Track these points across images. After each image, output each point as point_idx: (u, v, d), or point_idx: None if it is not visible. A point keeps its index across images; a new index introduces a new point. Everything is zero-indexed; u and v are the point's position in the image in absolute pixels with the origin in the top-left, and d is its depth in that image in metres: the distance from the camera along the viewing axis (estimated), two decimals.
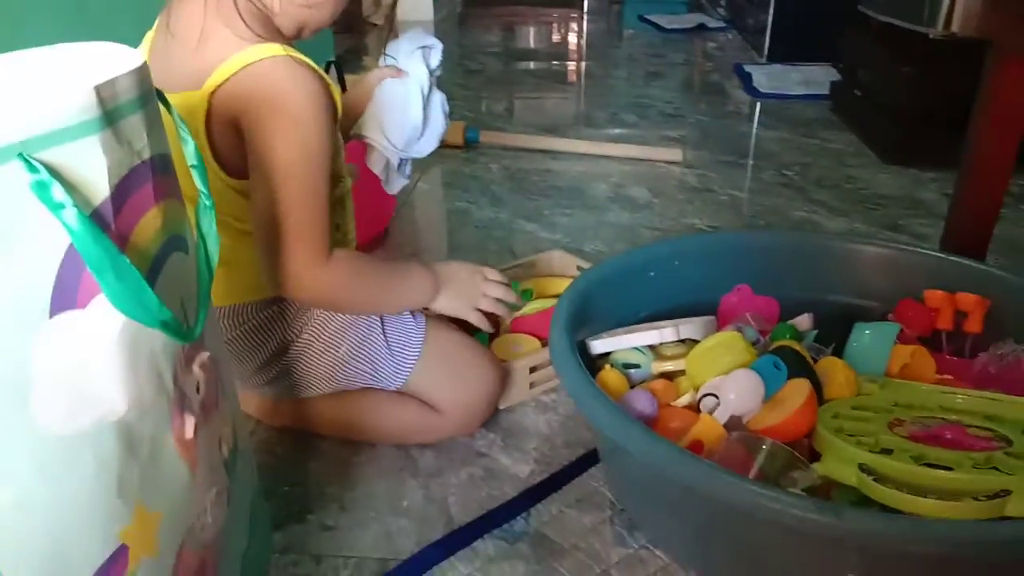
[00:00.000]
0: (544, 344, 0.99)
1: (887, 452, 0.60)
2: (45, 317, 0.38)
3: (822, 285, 0.95)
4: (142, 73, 0.43)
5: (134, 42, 0.77)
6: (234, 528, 0.56)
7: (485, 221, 1.47)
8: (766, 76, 2.55)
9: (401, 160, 0.99)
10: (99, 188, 0.39)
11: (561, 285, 1.14)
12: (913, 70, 1.74)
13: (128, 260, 0.40)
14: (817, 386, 0.71)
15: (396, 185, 1.01)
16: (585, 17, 4.23)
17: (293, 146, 0.68)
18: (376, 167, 0.97)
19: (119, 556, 0.41)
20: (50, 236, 0.37)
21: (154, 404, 0.43)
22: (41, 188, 0.36)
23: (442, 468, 0.82)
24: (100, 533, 0.40)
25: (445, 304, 0.83)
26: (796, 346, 0.75)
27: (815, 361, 0.76)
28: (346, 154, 0.86)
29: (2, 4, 0.95)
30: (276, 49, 0.68)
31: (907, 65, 1.75)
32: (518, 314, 1.05)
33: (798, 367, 0.71)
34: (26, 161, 0.36)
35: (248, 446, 0.62)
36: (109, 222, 0.39)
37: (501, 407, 0.91)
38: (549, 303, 1.06)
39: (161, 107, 0.46)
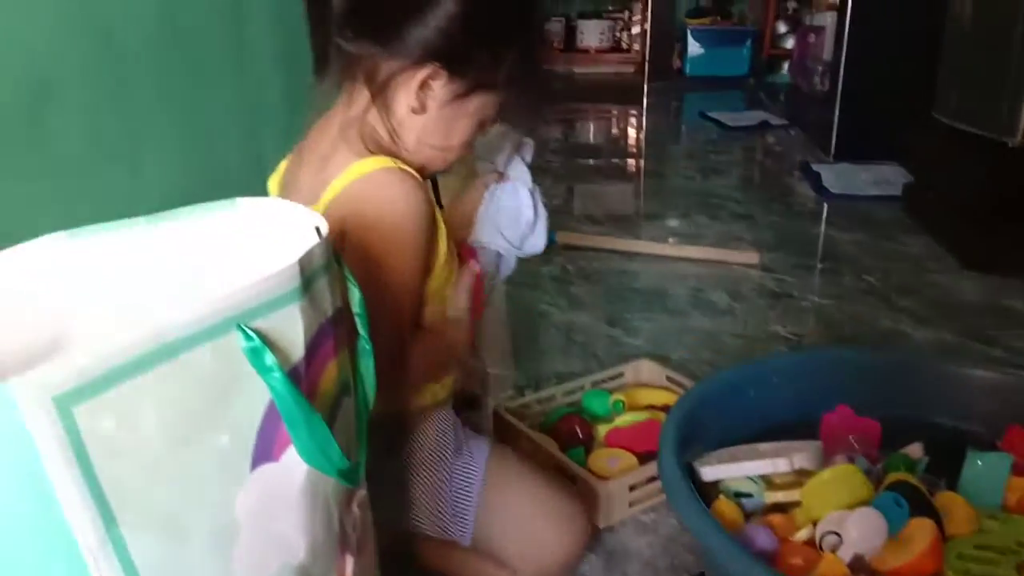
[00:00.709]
0: (640, 458, 1.00)
1: None
2: (248, 470, 0.41)
3: (923, 406, 0.94)
4: (327, 237, 0.47)
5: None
6: None
7: (566, 324, 1.50)
8: (835, 175, 2.57)
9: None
10: (296, 349, 0.42)
11: (651, 396, 1.15)
12: (989, 172, 1.74)
13: (319, 416, 0.43)
14: (938, 523, 0.69)
15: (505, 274, 1.03)
16: (645, 113, 4.35)
17: (390, 255, 0.69)
18: (488, 267, 1.00)
19: None
20: (256, 396, 0.41)
21: (325, 546, 0.46)
22: (254, 354, 0.40)
23: None
24: None
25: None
26: (914, 480, 0.74)
27: (931, 494, 0.75)
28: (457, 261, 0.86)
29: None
30: (386, 161, 0.69)
31: (982, 166, 1.75)
32: (611, 426, 1.07)
33: (919, 504, 0.70)
34: (242, 331, 0.39)
35: None
36: (302, 378, 0.43)
37: (601, 526, 0.91)
38: (642, 415, 1.08)
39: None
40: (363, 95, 0.70)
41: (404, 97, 0.69)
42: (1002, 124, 1.69)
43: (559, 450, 0.99)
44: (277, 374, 0.40)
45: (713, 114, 3.79)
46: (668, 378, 1.19)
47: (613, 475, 0.95)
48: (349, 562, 0.49)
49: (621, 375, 1.21)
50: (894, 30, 2.65)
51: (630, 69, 5.26)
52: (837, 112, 2.84)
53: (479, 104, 0.71)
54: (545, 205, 1.03)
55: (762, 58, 4.77)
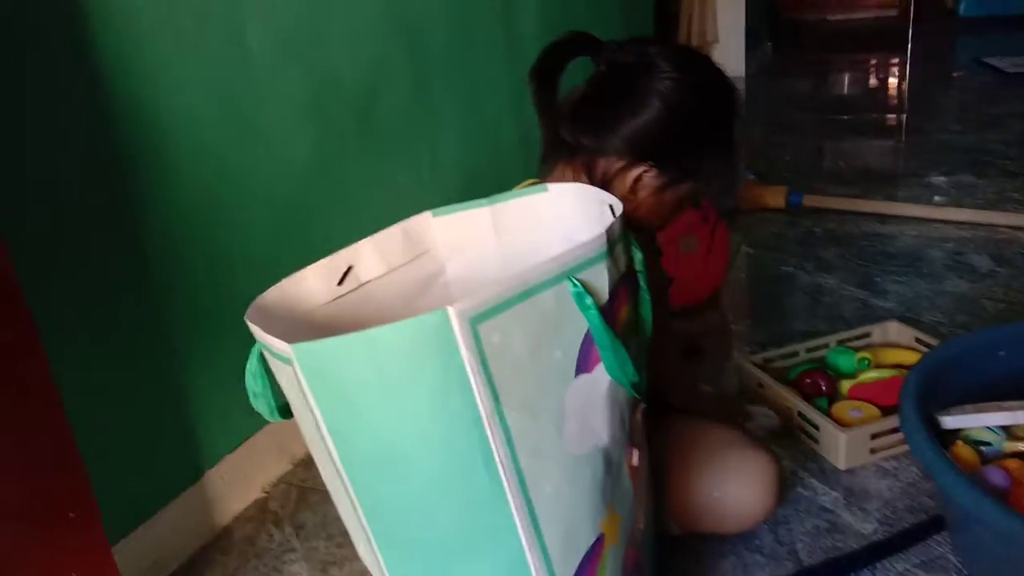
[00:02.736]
0: (883, 412, 1.06)
1: None
2: (572, 376, 0.58)
3: None
4: (623, 214, 0.63)
5: None
6: (651, 538, 0.74)
7: (813, 287, 1.55)
8: None
9: None
10: (604, 294, 0.59)
11: (898, 355, 1.20)
12: None
13: (620, 342, 0.59)
14: None
15: None
16: (909, 62, 4.03)
17: None
18: None
19: (600, 541, 0.61)
20: (578, 325, 0.58)
21: (620, 438, 0.63)
22: (579, 297, 0.57)
23: (788, 517, 0.94)
24: (592, 522, 0.60)
25: None
26: None
27: None
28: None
29: None
30: None
31: None
32: (856, 382, 1.14)
33: None
34: (572, 281, 0.57)
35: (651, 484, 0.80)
36: (608, 316, 0.60)
37: (842, 468, 1.01)
38: (887, 372, 1.14)
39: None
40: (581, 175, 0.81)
41: (619, 188, 0.79)
42: None
43: (802, 399, 1.09)
44: (593, 311, 0.57)
45: (990, 60, 3.44)
46: (917, 340, 1.22)
47: (855, 424, 1.03)
48: (635, 454, 0.66)
49: (868, 335, 1.26)
50: None
51: (893, 12, 4.87)
52: None
53: (682, 191, 0.80)
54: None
55: None
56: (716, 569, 0.88)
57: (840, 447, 1.00)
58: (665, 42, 0.81)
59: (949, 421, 0.86)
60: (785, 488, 0.88)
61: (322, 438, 0.56)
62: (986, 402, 0.90)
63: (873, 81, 3.81)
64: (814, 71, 4.03)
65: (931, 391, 0.90)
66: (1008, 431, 0.86)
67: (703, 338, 1.33)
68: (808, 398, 1.10)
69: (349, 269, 0.68)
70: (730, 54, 3.78)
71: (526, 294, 0.54)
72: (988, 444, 0.85)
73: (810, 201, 1.96)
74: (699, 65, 0.79)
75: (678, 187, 0.79)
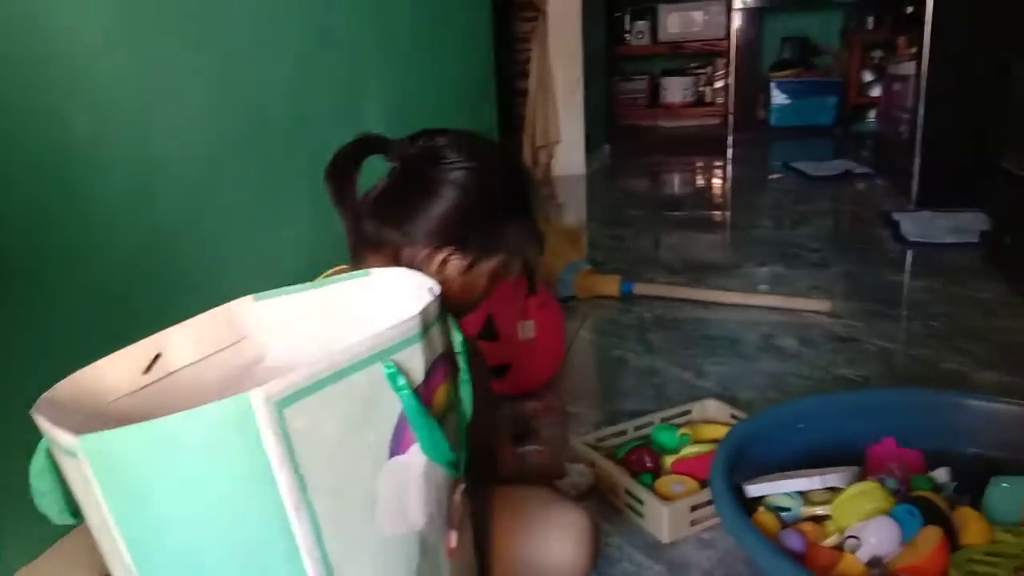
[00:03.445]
0: (702, 485, 1.13)
1: None
2: (385, 458, 0.59)
3: (963, 439, 1.04)
4: (440, 296, 0.66)
5: None
6: None
7: (642, 369, 1.64)
8: (914, 223, 2.62)
9: None
10: (418, 375, 0.61)
11: (716, 431, 1.28)
12: None
13: (435, 421, 0.61)
14: (951, 533, 0.81)
15: None
16: (729, 165, 4.46)
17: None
18: None
19: None
20: (391, 407, 0.59)
21: (437, 521, 0.63)
22: (392, 378, 0.58)
23: None
24: None
25: None
26: (932, 496, 0.85)
27: (952, 510, 0.86)
28: None
29: None
30: None
31: None
32: (677, 457, 1.20)
33: (932, 515, 0.81)
34: (384, 362, 0.58)
35: (476, 566, 0.80)
36: (422, 396, 0.61)
37: (665, 541, 1.05)
38: (706, 447, 1.21)
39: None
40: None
41: (427, 273, 0.78)
42: None
43: (630, 477, 1.13)
44: (407, 392, 0.59)
45: (796, 164, 3.87)
46: (732, 416, 1.32)
47: (677, 498, 1.09)
48: (453, 536, 0.66)
49: (689, 412, 1.35)
50: (971, 77, 2.70)
51: (714, 121, 5.40)
52: (918, 160, 2.90)
53: (490, 267, 0.85)
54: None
55: (847, 107, 4.81)
56: None
57: (663, 520, 1.04)
58: (452, 131, 0.85)
59: (752, 489, 0.93)
60: (600, 543, 0.90)
61: (113, 540, 0.53)
62: (786, 471, 0.98)
63: (700, 181, 4.17)
64: (648, 172, 4.36)
65: (738, 463, 0.97)
66: (805, 496, 0.93)
67: (536, 420, 1.37)
68: (635, 474, 1.15)
69: (157, 356, 0.66)
70: (572, 154, 4.04)
71: (336, 376, 0.55)
72: (788, 509, 0.92)
73: (640, 289, 2.09)
74: (484, 150, 0.85)
75: (483, 264, 0.84)
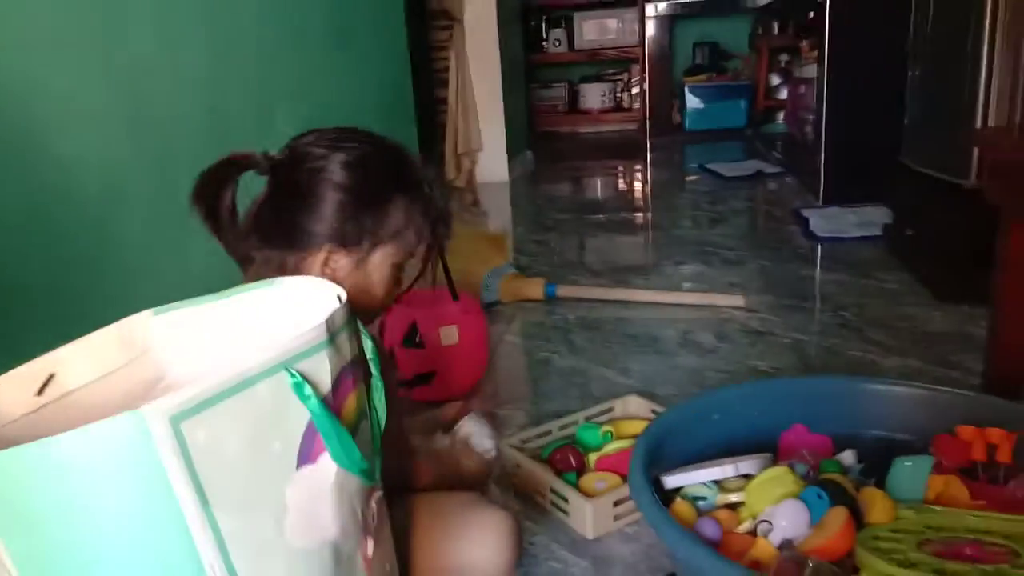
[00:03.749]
0: (625, 480, 1.14)
1: (913, 565, 0.72)
2: (294, 469, 0.57)
3: (868, 422, 1.09)
4: (347, 303, 0.65)
5: None
6: None
7: (566, 369, 1.66)
8: (823, 219, 2.73)
9: None
10: (325, 383, 0.60)
11: (637, 427, 1.30)
12: (957, 212, 1.89)
13: (345, 430, 0.60)
14: (857, 513, 0.84)
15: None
16: (648, 168, 4.56)
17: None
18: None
19: None
20: (298, 416, 0.58)
21: (351, 530, 0.62)
22: (297, 387, 0.57)
23: None
24: None
25: None
26: (839, 478, 0.89)
27: (858, 491, 0.89)
28: None
29: None
30: None
31: (951, 207, 1.90)
32: (600, 454, 1.22)
33: (839, 496, 0.84)
34: (288, 371, 0.57)
35: (397, 570, 0.79)
36: (331, 404, 0.60)
37: (590, 537, 1.06)
38: (627, 443, 1.23)
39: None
40: None
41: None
42: (956, 167, 1.86)
43: (555, 476, 1.14)
44: (313, 400, 0.58)
45: (711, 166, 3.99)
46: (653, 411, 1.34)
47: (601, 494, 1.10)
48: (370, 544, 0.65)
49: (611, 410, 1.37)
50: (869, 78, 2.83)
51: (632, 126, 5.51)
52: (823, 158, 3.02)
53: (382, 257, 0.81)
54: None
55: (757, 110, 4.98)
56: None
57: (587, 517, 1.06)
58: (318, 129, 0.82)
59: (670, 480, 0.94)
60: (523, 542, 0.90)
61: (6, 568, 0.50)
62: (702, 461, 1.01)
63: (620, 185, 4.25)
64: (570, 176, 4.41)
65: (657, 456, 0.98)
66: (720, 485, 0.96)
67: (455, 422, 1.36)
68: (560, 473, 1.16)
69: (50, 377, 0.63)
70: (494, 162, 4.06)
71: (237, 388, 0.53)
72: (704, 499, 0.94)
73: (564, 291, 2.11)
74: (351, 137, 0.82)
75: (373, 256, 0.80)
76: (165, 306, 0.71)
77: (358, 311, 0.83)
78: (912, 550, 0.77)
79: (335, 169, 0.78)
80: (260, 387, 0.55)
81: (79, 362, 0.65)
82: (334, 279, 0.77)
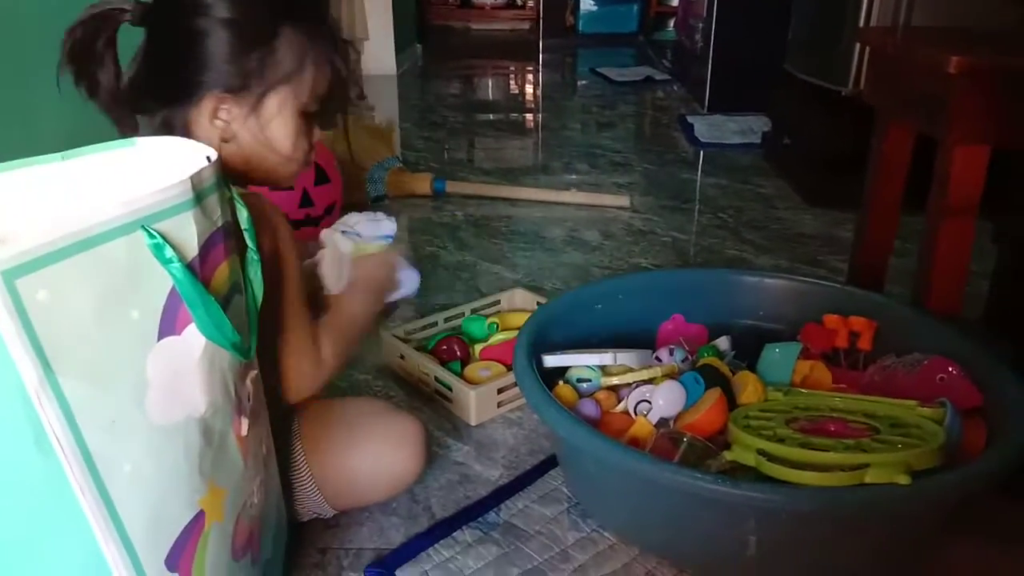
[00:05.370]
0: (509, 369, 1.15)
1: (781, 440, 0.76)
2: (155, 340, 0.52)
3: (742, 312, 1.13)
4: (217, 163, 0.59)
5: None
6: (270, 511, 0.70)
7: (453, 264, 1.63)
8: (706, 126, 2.78)
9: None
10: (191, 248, 0.54)
11: (523, 319, 1.30)
12: (832, 121, 1.96)
13: (213, 298, 0.55)
14: (731, 394, 0.87)
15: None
16: (540, 69, 4.48)
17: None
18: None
19: (198, 519, 0.56)
20: (159, 282, 0.52)
21: (222, 406, 0.58)
22: (157, 249, 0.51)
23: (424, 476, 0.97)
24: (186, 500, 0.55)
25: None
26: (716, 363, 0.92)
27: (733, 374, 0.93)
28: None
29: None
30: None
31: (827, 116, 1.97)
32: (486, 344, 1.22)
33: (714, 380, 0.88)
34: (146, 231, 0.51)
35: (274, 453, 0.76)
36: (198, 272, 0.55)
37: (473, 424, 1.06)
38: (513, 334, 1.23)
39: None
40: None
41: (205, 135, 0.71)
42: (836, 74, 1.91)
43: (439, 365, 1.13)
44: (176, 264, 0.52)
45: (602, 70, 3.96)
46: (538, 304, 1.34)
47: (485, 382, 1.10)
48: (244, 423, 0.61)
49: (498, 303, 1.36)
50: None
51: (525, 26, 5.38)
52: (710, 67, 3.06)
53: (278, 103, 0.73)
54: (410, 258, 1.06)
55: (649, 16, 4.97)
56: (355, 539, 0.87)
57: (471, 404, 1.06)
58: None
59: (550, 360, 0.95)
60: (430, 448, 0.90)
61: None
62: (585, 349, 1.02)
63: (512, 85, 4.16)
64: (461, 74, 4.28)
65: (540, 342, 0.99)
66: (603, 370, 0.97)
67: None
68: (445, 363, 1.15)
69: None
70: (381, 53, 3.86)
71: (85, 244, 0.47)
72: (588, 381, 0.95)
73: (452, 188, 2.06)
74: None
75: (271, 100, 0.73)
76: (3, 164, 0.62)
77: (268, 173, 0.78)
78: (780, 427, 0.81)
79: (212, 3, 0.69)
80: (114, 245, 0.49)
81: None
82: (227, 133, 0.73)
